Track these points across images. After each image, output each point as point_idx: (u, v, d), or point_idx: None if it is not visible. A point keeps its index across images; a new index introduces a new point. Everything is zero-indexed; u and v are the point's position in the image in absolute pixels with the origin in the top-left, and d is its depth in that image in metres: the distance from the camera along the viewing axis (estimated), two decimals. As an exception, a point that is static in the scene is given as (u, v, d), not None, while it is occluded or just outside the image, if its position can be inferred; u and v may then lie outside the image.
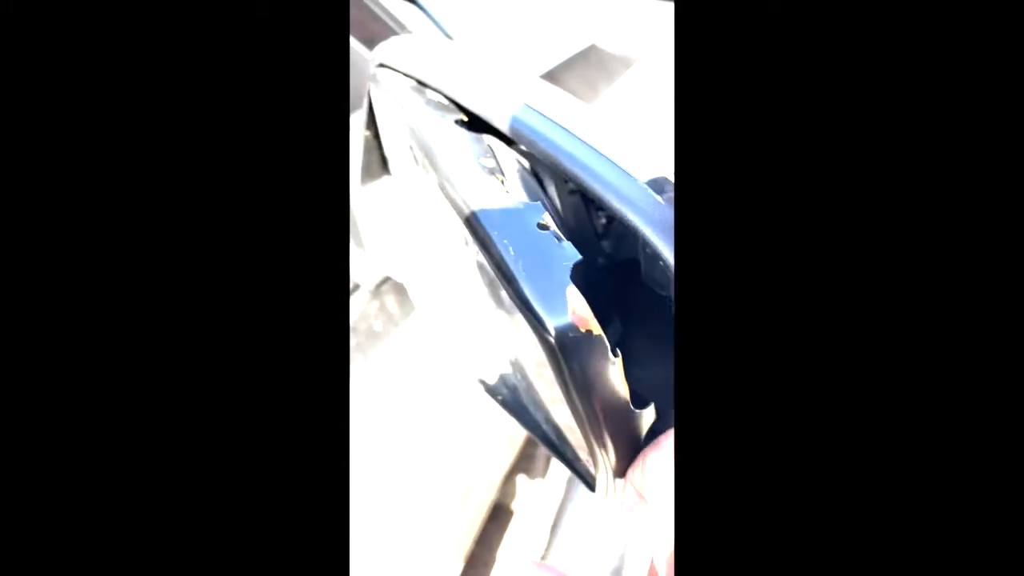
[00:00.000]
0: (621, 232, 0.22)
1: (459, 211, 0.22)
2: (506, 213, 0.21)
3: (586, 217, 0.28)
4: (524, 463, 1.10)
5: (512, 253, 0.20)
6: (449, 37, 0.82)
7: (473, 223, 0.22)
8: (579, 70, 1.12)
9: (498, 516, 1.10)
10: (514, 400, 0.32)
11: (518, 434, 0.92)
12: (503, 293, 0.24)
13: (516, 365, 0.29)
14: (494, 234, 0.21)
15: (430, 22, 0.78)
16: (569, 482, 1.09)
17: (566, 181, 0.27)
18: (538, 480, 1.14)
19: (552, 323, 0.19)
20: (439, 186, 0.24)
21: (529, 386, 0.29)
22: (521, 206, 0.22)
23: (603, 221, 0.29)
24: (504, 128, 0.25)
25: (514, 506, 1.14)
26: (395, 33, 0.68)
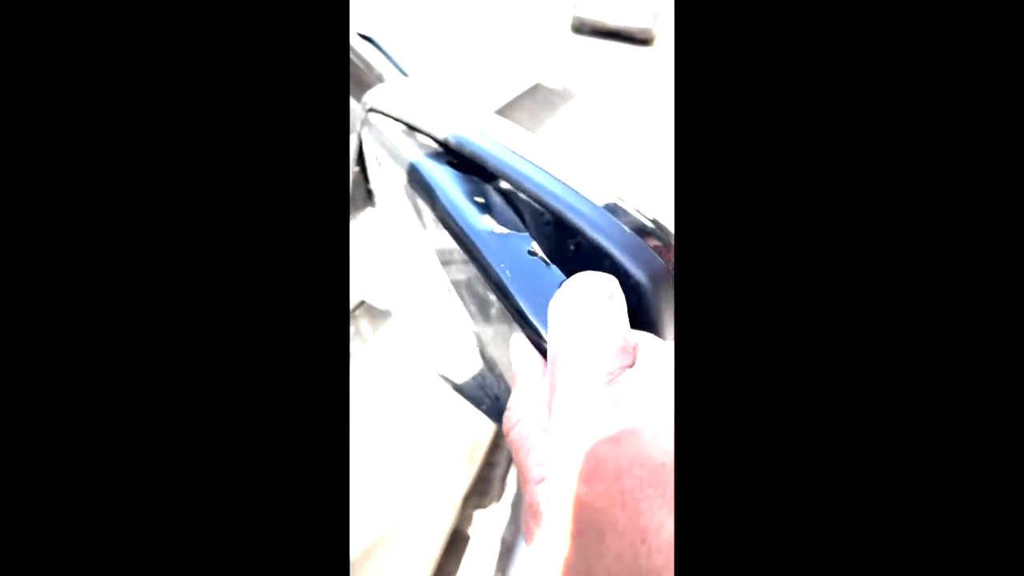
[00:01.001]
0: (588, 255, 0.27)
1: (460, 242, 0.26)
2: (501, 242, 0.26)
3: (559, 244, 0.33)
4: (480, 486, 1.12)
5: (509, 275, 0.24)
6: (405, 74, 0.86)
7: (473, 251, 0.26)
8: (526, 106, 1.19)
9: (454, 542, 1.10)
10: (496, 408, 0.35)
11: (478, 450, 0.94)
12: (493, 310, 0.27)
13: (500, 376, 0.33)
14: (492, 260, 0.25)
15: (387, 61, 0.82)
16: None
17: (541, 213, 0.31)
18: (493, 505, 1.15)
19: (547, 333, 0.23)
20: (439, 220, 0.27)
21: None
22: (513, 236, 0.26)
23: (572, 248, 0.33)
24: (489, 168, 0.30)
25: (470, 532, 1.14)
26: (360, 71, 0.72)
